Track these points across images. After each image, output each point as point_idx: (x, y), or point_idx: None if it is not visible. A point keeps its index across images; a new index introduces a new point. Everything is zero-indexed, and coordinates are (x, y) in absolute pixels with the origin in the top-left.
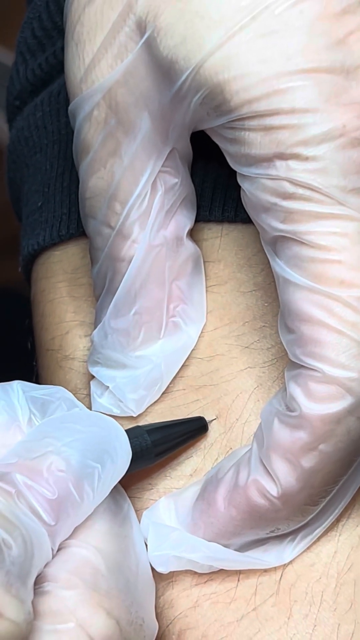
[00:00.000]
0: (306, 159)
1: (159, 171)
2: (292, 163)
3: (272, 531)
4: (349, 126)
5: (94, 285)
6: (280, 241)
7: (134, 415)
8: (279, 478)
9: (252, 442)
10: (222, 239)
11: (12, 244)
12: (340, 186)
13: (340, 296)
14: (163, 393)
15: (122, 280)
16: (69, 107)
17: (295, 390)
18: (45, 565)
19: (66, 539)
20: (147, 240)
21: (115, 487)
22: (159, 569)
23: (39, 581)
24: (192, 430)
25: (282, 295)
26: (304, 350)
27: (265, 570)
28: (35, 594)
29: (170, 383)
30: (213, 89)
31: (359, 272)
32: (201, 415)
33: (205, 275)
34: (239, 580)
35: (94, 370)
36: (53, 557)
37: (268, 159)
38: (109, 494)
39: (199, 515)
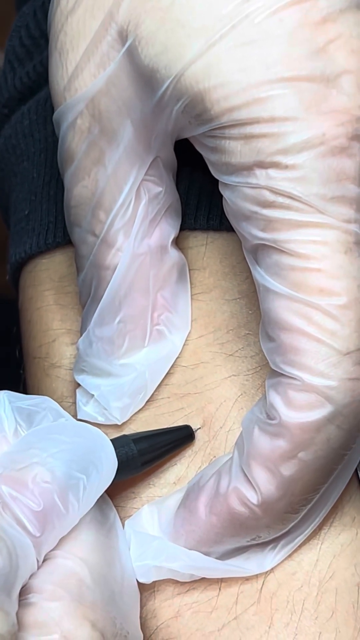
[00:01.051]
0: (286, 167)
1: (143, 180)
2: (272, 172)
3: (253, 539)
4: (329, 134)
5: (80, 293)
6: (260, 249)
7: (119, 423)
8: (259, 486)
9: (233, 450)
10: (207, 247)
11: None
12: (320, 194)
13: (320, 304)
14: (148, 401)
15: (107, 289)
16: (53, 116)
17: (275, 399)
18: (31, 577)
19: (52, 550)
20: (131, 249)
21: (101, 496)
22: (141, 580)
23: (24, 592)
24: (179, 439)
25: (263, 303)
26: (283, 359)
27: (247, 579)
28: (20, 605)
29: (155, 391)
30: (194, 98)
31: (338, 280)
32: (186, 423)
33: (191, 283)
34: (220, 589)
35: (79, 378)
36: (38, 568)
37: (248, 168)
38: (95, 504)
39: (181, 523)
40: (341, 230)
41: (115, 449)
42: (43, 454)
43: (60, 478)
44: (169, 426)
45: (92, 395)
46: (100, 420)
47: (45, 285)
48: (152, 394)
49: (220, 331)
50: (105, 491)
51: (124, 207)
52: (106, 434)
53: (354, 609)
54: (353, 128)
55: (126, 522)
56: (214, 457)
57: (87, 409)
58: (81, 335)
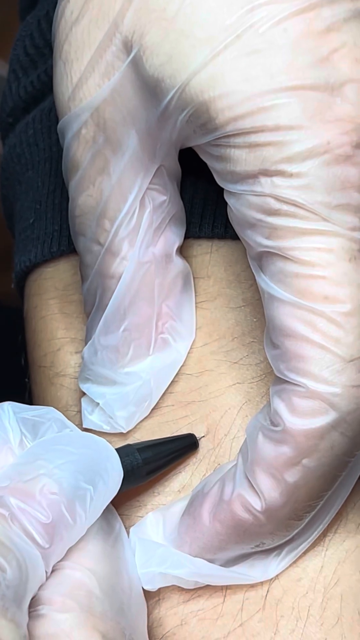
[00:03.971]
0: (291, 175)
1: (147, 188)
2: (276, 179)
3: (257, 545)
4: (333, 143)
5: (85, 302)
6: (265, 257)
7: (124, 432)
8: (262, 492)
9: (237, 457)
10: (212, 255)
11: (6, 256)
12: (324, 202)
13: (324, 311)
14: (152, 409)
15: (112, 297)
16: (58, 126)
17: (279, 405)
18: (40, 588)
19: (60, 561)
20: (136, 257)
21: (107, 507)
22: (146, 587)
23: (33, 604)
24: (183, 447)
25: (267, 310)
26: (287, 366)
27: (252, 586)
28: (30, 617)
29: (159, 399)
30: (199, 107)
31: (342, 287)
32: (190, 431)
33: (195, 291)
34: (225, 596)
35: (84, 387)
36: (47, 579)
37: (253, 176)
38: (101, 514)
39: (185, 530)
40: (346, 238)
41: (120, 459)
42: (49, 465)
43: (67, 489)
44: (172, 434)
45: (98, 404)
46: (106, 428)
47: (50, 294)
48: (157, 402)
49: (225, 339)
50: (111, 501)
51: (129, 215)
52: (111, 443)
53: (359, 615)
54: (357, 136)
55: (131, 530)
56: (219, 464)
57: (92, 417)
58: (86, 343)
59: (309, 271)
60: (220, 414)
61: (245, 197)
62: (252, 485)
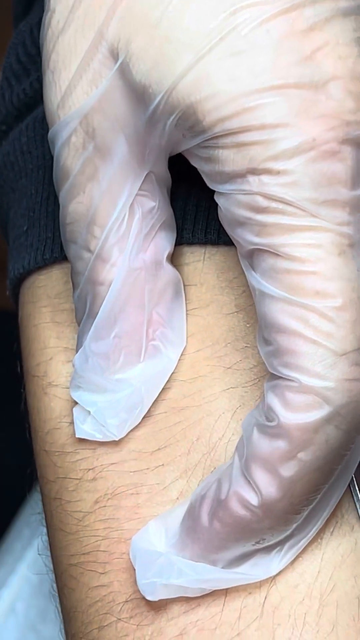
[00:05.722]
0: (278, 173)
1: (136, 195)
2: (264, 178)
3: (258, 542)
4: (319, 139)
5: (76, 309)
6: (255, 254)
7: (116, 439)
8: (259, 488)
9: (233, 455)
10: (205, 262)
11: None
12: (312, 199)
13: (316, 307)
14: (145, 417)
15: (102, 304)
16: (48, 135)
17: (273, 401)
18: None
19: None
20: (126, 264)
21: None
22: (148, 597)
23: None
24: None
25: (259, 307)
26: (280, 361)
27: (250, 593)
28: None
29: (152, 407)
30: (186, 111)
31: (333, 282)
32: (184, 436)
33: (188, 298)
34: (224, 604)
35: (75, 395)
36: None
37: (241, 175)
38: None
39: (186, 533)
40: (335, 233)
41: None
42: None
43: None
44: (167, 441)
45: (89, 413)
46: (99, 437)
47: (43, 302)
48: (150, 410)
49: (218, 345)
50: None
51: (118, 222)
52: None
53: (354, 621)
54: (344, 132)
55: (132, 538)
56: (214, 468)
57: (84, 427)
58: (77, 351)
59: (299, 267)
60: (214, 418)
61: (234, 196)
62: (249, 482)
